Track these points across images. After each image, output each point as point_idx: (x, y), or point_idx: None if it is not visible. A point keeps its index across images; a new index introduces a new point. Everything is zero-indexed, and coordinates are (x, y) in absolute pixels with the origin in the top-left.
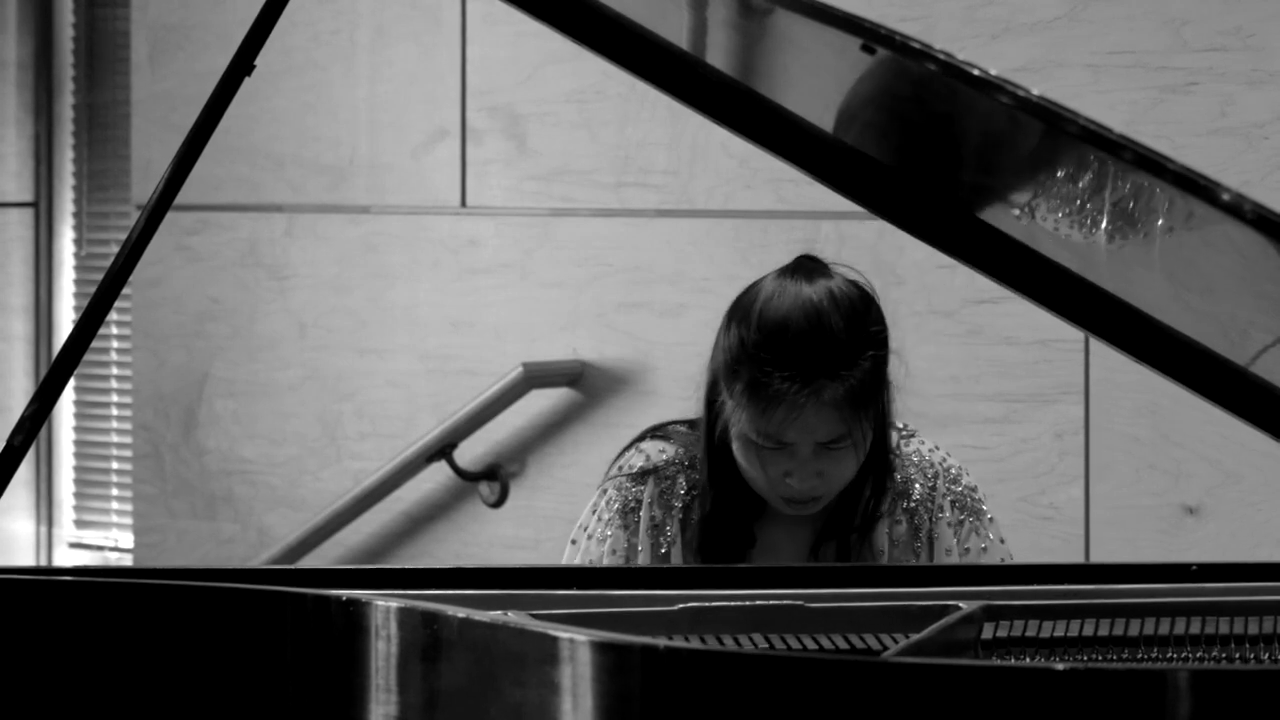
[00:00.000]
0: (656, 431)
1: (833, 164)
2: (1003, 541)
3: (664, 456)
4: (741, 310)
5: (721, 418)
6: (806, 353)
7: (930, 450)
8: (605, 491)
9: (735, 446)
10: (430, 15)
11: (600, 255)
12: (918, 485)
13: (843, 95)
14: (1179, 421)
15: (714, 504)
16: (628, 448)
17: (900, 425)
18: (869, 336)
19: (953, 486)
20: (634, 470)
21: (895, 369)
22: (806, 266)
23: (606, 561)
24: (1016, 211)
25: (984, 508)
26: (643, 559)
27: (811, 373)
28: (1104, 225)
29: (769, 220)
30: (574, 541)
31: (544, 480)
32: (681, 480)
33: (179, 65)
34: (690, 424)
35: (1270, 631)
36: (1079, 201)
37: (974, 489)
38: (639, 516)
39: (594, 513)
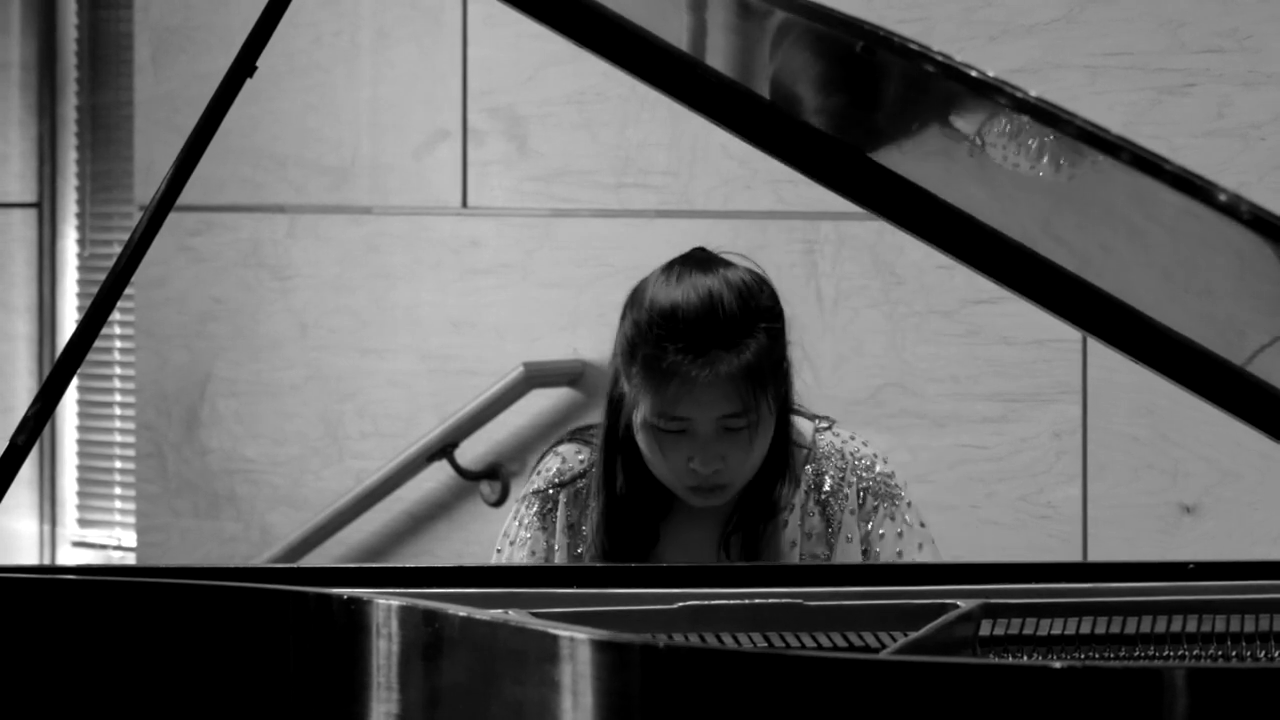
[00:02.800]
0: (576, 434)
1: (831, 165)
2: (923, 525)
3: (579, 458)
4: (635, 298)
5: (624, 410)
6: (699, 325)
7: (844, 441)
8: (525, 498)
9: (639, 438)
10: (431, 17)
11: (601, 255)
12: (829, 476)
13: (841, 97)
14: (1176, 421)
15: (609, 500)
16: (548, 450)
17: (817, 418)
18: (762, 310)
19: (864, 475)
20: (549, 472)
21: (798, 359)
22: (697, 256)
23: (526, 564)
24: (1016, 213)
25: (900, 493)
26: (559, 558)
27: (704, 344)
28: (1101, 226)
29: (768, 220)
30: (499, 550)
31: None
32: (595, 498)
33: (181, 67)
34: None
35: (1267, 629)
36: (1077, 203)
37: (889, 475)
38: (555, 517)
39: (515, 518)
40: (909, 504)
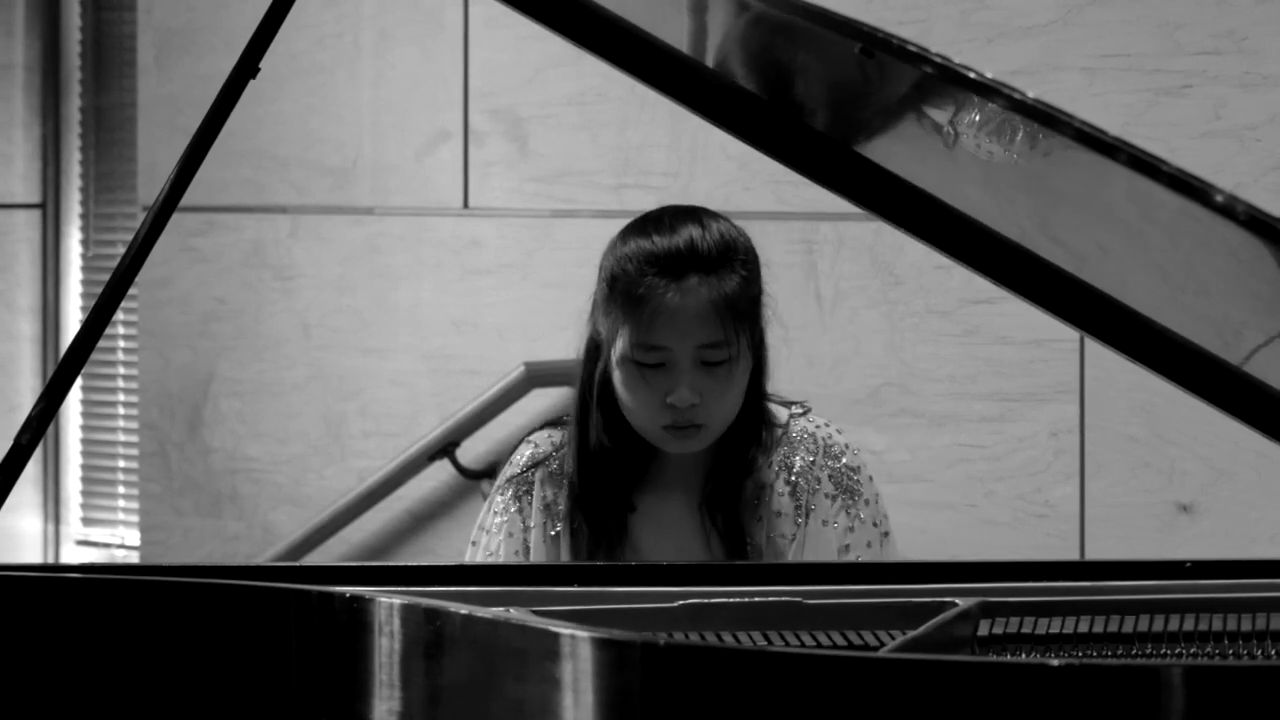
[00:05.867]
0: (548, 423)
1: (830, 166)
2: (875, 525)
3: (551, 441)
4: (610, 245)
5: (600, 357)
6: (678, 253)
7: (817, 427)
8: (498, 486)
9: (616, 378)
10: (433, 19)
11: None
12: (798, 458)
13: (841, 97)
14: (1173, 420)
15: (582, 453)
16: (520, 441)
17: (792, 404)
18: (740, 248)
19: (831, 463)
20: (523, 459)
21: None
22: (674, 207)
23: (503, 547)
24: (1014, 214)
25: (861, 489)
26: (535, 536)
27: (683, 269)
28: (1099, 227)
29: (768, 221)
30: (474, 543)
31: None
32: (570, 457)
33: (185, 68)
34: None
35: (1263, 628)
36: (1074, 202)
37: (855, 470)
38: (531, 498)
39: (488, 507)
40: (867, 501)
